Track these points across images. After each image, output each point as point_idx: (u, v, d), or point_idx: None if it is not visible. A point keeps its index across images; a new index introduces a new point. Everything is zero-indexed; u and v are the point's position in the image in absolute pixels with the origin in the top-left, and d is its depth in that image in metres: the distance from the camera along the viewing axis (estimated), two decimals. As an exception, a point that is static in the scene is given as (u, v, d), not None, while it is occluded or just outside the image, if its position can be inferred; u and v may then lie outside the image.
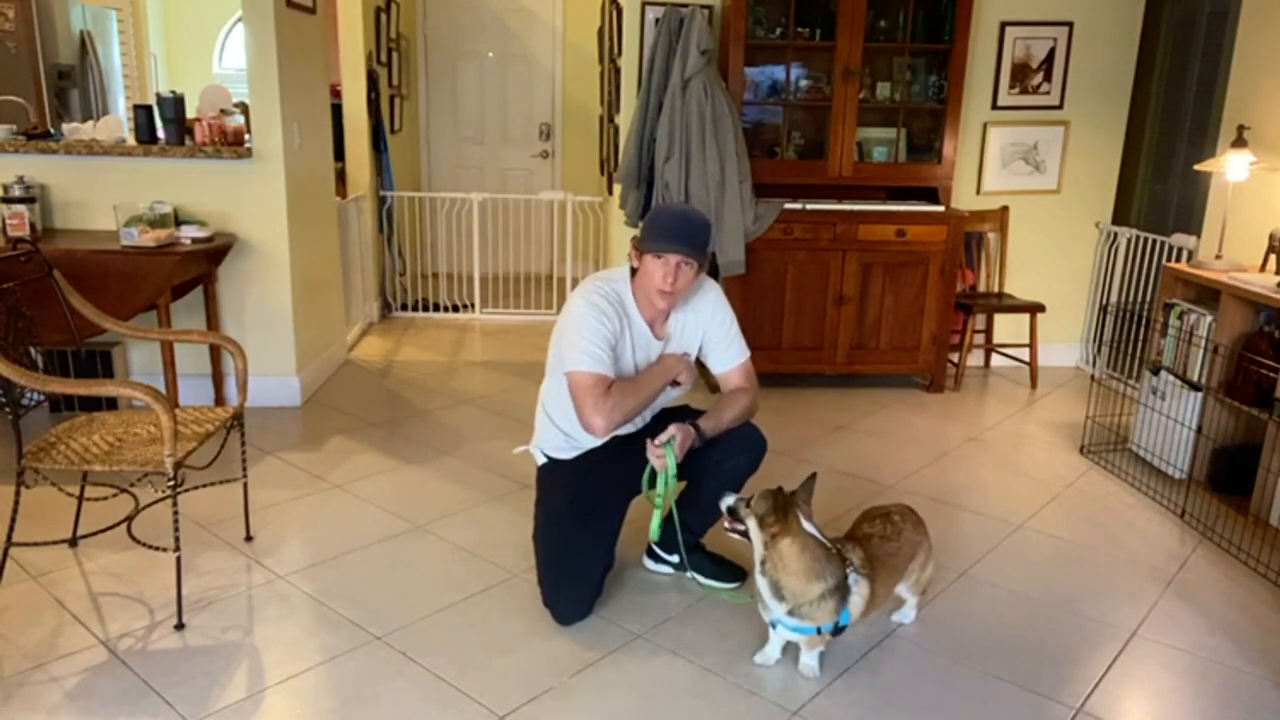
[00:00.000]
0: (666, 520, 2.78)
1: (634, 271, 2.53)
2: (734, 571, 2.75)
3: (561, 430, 2.64)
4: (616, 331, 2.46)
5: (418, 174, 7.12)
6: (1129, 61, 4.85)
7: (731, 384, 2.67)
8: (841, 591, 2.20)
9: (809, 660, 2.31)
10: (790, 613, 2.21)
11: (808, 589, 2.18)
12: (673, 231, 2.40)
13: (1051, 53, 4.80)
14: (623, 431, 2.52)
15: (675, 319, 2.60)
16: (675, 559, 2.78)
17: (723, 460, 2.55)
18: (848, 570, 2.23)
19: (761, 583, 2.24)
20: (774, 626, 2.28)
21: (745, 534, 2.27)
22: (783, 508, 2.19)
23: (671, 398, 2.68)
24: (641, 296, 2.53)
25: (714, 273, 4.51)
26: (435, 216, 6.50)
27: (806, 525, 2.22)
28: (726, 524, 2.33)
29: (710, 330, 2.63)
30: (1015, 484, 3.58)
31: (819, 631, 2.22)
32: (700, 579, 2.72)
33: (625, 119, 4.70)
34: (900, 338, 4.60)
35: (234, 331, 4.07)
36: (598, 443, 2.61)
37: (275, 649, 2.37)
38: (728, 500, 2.33)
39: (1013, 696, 2.28)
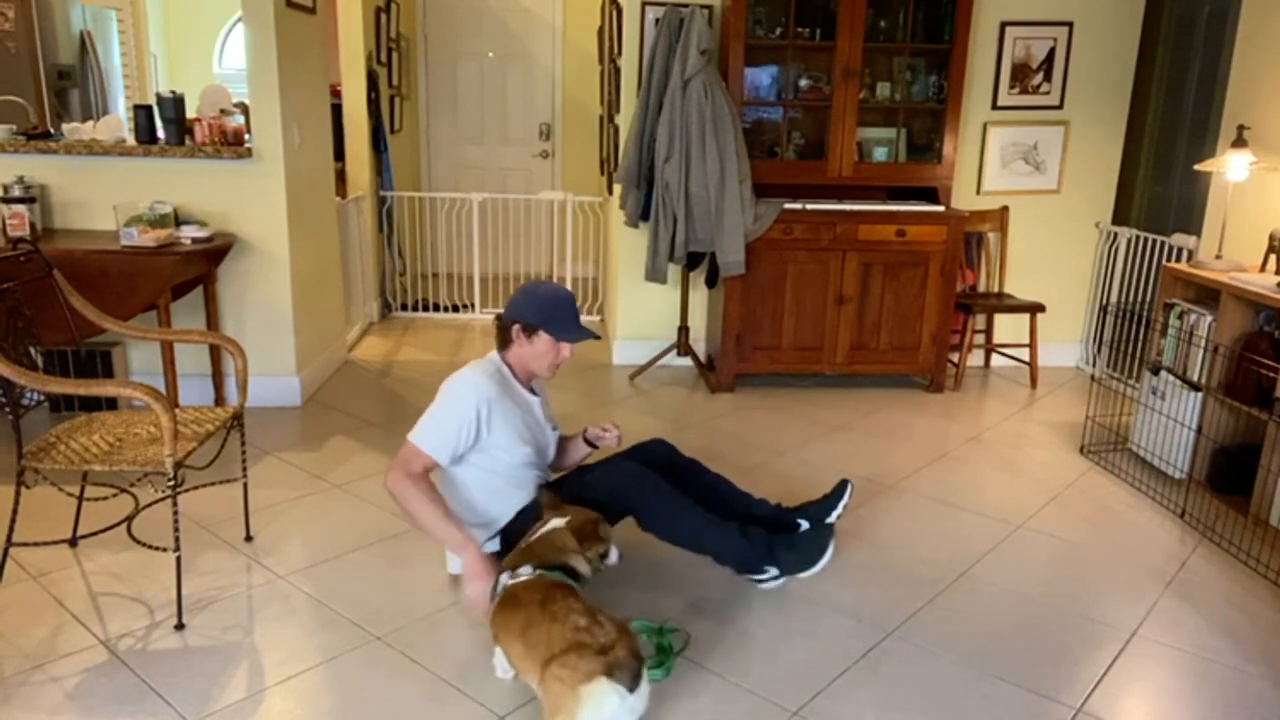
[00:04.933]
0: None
1: (506, 344, 2.63)
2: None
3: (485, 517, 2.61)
4: (485, 414, 2.50)
5: (418, 174, 7.12)
6: (1129, 61, 4.85)
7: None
8: None
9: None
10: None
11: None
12: (576, 322, 2.60)
13: (1051, 53, 4.80)
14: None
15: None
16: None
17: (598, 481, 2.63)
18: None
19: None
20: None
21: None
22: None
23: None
24: (518, 367, 2.65)
25: (714, 273, 4.52)
26: (435, 216, 6.50)
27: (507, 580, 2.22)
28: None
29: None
30: (1015, 484, 3.58)
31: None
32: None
33: (625, 119, 4.70)
34: (900, 338, 4.60)
35: (234, 331, 4.07)
36: (510, 516, 2.60)
37: (275, 649, 2.37)
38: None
39: (1013, 696, 2.28)
